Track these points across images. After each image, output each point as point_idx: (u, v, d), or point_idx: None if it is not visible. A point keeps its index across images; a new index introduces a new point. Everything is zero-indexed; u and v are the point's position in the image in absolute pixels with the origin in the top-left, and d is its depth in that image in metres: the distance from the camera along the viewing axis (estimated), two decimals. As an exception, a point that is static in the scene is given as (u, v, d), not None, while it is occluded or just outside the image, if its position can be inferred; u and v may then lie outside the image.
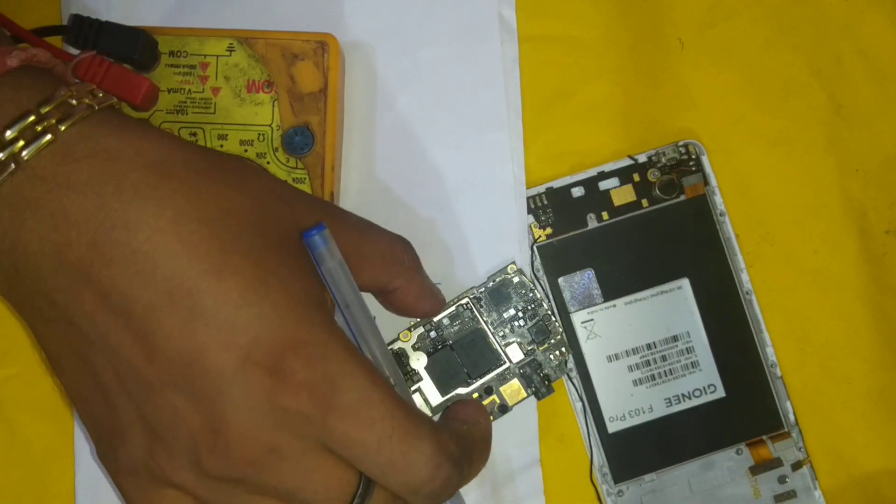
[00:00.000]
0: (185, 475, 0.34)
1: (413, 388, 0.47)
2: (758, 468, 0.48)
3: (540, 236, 0.48)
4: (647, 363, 0.48)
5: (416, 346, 0.47)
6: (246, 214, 0.34)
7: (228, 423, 0.32)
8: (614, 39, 0.49)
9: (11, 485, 0.48)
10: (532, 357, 0.48)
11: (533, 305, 0.47)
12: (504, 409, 0.47)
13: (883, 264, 0.49)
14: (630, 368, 0.48)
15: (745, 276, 0.48)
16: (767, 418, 0.48)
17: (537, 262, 0.48)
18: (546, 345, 0.48)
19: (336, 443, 0.33)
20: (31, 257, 0.33)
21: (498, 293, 0.47)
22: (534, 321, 0.47)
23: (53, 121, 0.34)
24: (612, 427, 0.48)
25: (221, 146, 0.45)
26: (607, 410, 0.48)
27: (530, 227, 0.48)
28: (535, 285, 0.47)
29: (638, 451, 0.48)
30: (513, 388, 0.48)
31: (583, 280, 0.48)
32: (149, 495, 0.35)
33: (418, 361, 0.47)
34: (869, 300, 0.49)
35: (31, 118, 0.33)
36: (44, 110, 0.34)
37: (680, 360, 0.48)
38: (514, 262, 0.47)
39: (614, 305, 0.48)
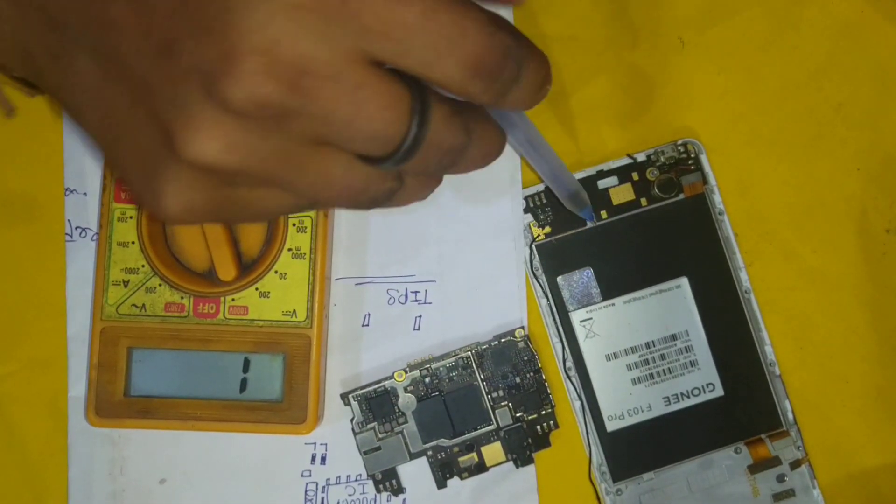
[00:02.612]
0: (213, 122, 0.29)
1: (397, 430, 0.47)
2: (756, 467, 0.48)
3: (539, 235, 0.48)
4: (646, 362, 0.48)
5: (408, 389, 0.47)
6: None
7: (243, 39, 0.28)
8: (614, 38, 0.49)
9: (8, 483, 0.48)
10: (520, 424, 0.48)
11: (532, 373, 0.47)
12: (481, 468, 0.48)
13: (882, 263, 0.49)
14: (629, 367, 0.48)
15: (743, 275, 0.48)
16: (766, 417, 0.48)
17: (536, 261, 0.48)
18: (536, 415, 0.48)
19: (371, 36, 0.29)
20: None
21: (501, 354, 0.47)
22: (529, 390, 0.47)
23: None
24: (610, 426, 0.48)
25: (219, 142, 0.45)
26: (606, 409, 0.48)
27: (529, 225, 0.48)
28: (538, 355, 0.47)
29: (636, 449, 0.48)
30: (494, 451, 0.48)
31: (581, 279, 0.48)
32: (174, 183, 0.31)
33: (407, 404, 0.47)
34: (868, 299, 0.49)
35: None
36: None
37: (679, 359, 0.48)
38: (522, 328, 0.48)
39: (613, 304, 0.48)
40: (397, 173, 0.33)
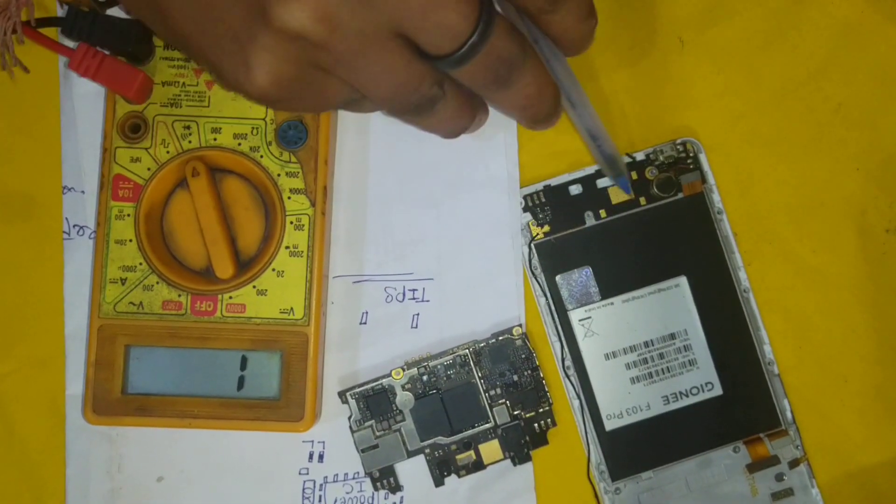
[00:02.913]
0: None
1: (394, 428, 0.47)
2: (755, 466, 0.47)
3: (538, 234, 0.48)
4: (645, 361, 0.48)
5: (406, 387, 0.47)
6: None
7: None
8: (613, 37, 0.49)
9: (7, 481, 0.48)
10: (517, 422, 0.48)
11: (530, 371, 0.47)
12: (479, 466, 0.48)
13: (882, 263, 0.49)
14: (627, 366, 0.48)
15: (742, 275, 0.48)
16: (765, 416, 0.48)
17: (535, 260, 0.48)
18: (533, 412, 0.48)
19: None
20: None
21: (499, 352, 0.47)
22: (527, 387, 0.47)
23: None
24: (609, 425, 0.48)
25: (215, 139, 0.45)
26: (605, 408, 0.48)
27: (528, 224, 0.48)
28: (535, 353, 0.47)
29: (635, 448, 0.48)
30: (491, 448, 0.48)
31: (580, 278, 0.48)
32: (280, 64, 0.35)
33: (405, 402, 0.47)
34: (867, 299, 0.48)
35: None
36: None
37: (677, 358, 0.48)
38: (520, 325, 0.48)
39: (612, 303, 0.48)
40: (443, 84, 0.37)
